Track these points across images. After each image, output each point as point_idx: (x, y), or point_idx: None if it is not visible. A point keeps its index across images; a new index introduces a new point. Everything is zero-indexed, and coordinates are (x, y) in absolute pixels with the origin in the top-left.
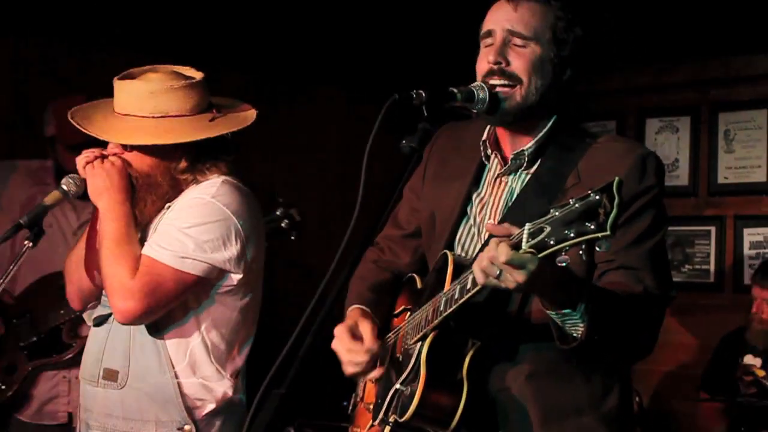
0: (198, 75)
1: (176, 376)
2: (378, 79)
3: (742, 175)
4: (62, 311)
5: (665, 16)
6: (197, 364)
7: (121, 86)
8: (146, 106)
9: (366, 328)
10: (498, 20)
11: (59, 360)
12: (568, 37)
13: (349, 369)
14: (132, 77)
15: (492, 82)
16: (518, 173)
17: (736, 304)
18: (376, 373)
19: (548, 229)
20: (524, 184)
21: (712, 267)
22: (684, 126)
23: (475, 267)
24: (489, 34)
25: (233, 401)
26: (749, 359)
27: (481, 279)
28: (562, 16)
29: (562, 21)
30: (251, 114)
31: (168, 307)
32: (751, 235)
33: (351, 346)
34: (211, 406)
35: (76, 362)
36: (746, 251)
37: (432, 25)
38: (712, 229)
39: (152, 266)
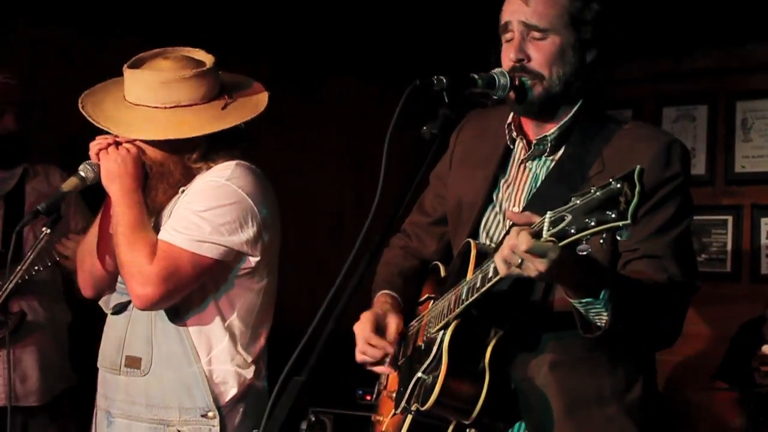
0: (209, 59)
1: (199, 362)
2: (393, 66)
3: (760, 164)
4: None
5: (682, 4)
6: (219, 348)
7: (131, 75)
8: (158, 96)
9: (392, 325)
10: (512, 13)
11: None
12: (586, 16)
13: (360, 357)
14: (142, 62)
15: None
16: (542, 159)
17: (752, 294)
18: (384, 369)
19: (569, 217)
20: (548, 170)
21: (728, 256)
22: (701, 115)
23: (497, 257)
24: (506, 27)
25: (256, 386)
26: (767, 349)
27: (503, 269)
28: None
29: (578, 1)
30: (263, 98)
31: (186, 292)
32: None
33: (370, 338)
34: (233, 392)
35: (11, 341)
36: (763, 241)
37: (447, 11)
38: (729, 218)
39: (170, 251)
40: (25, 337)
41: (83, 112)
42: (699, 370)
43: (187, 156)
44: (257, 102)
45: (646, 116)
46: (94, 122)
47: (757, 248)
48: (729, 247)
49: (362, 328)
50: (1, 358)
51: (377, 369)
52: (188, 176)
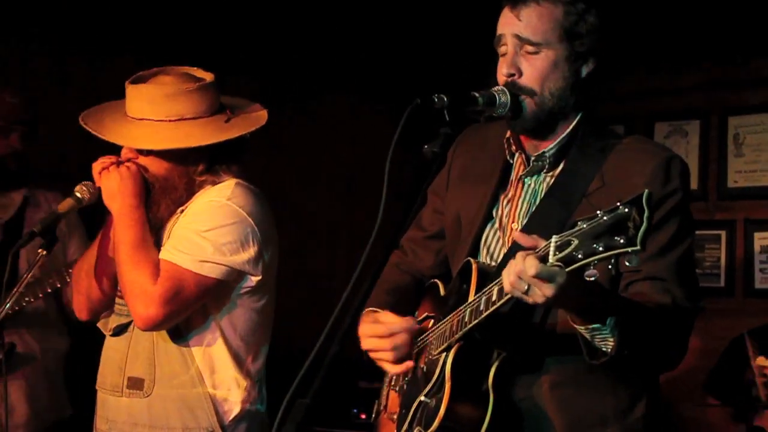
0: (209, 76)
1: (203, 382)
2: (387, 84)
3: (752, 179)
4: None
5: (674, 20)
6: (222, 368)
7: (134, 90)
8: (162, 109)
9: (387, 317)
10: (505, 26)
11: None
12: (580, 29)
13: (387, 355)
14: (143, 80)
15: None
16: (541, 175)
17: (746, 309)
18: (405, 366)
19: (576, 242)
20: (548, 186)
21: (722, 271)
22: (693, 130)
23: (505, 283)
24: (499, 41)
25: (257, 405)
26: (762, 361)
27: (509, 291)
28: (572, 9)
29: (573, 14)
30: (263, 114)
31: (188, 312)
32: (761, 239)
33: (384, 332)
34: (236, 411)
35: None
36: (757, 255)
37: (440, 29)
38: (722, 233)
39: (173, 271)
40: (13, 370)
41: (86, 128)
42: (691, 385)
43: (192, 168)
44: (258, 117)
45: (639, 132)
46: (99, 136)
47: (751, 263)
48: (722, 261)
49: (371, 332)
50: None
51: (405, 365)
52: (191, 191)
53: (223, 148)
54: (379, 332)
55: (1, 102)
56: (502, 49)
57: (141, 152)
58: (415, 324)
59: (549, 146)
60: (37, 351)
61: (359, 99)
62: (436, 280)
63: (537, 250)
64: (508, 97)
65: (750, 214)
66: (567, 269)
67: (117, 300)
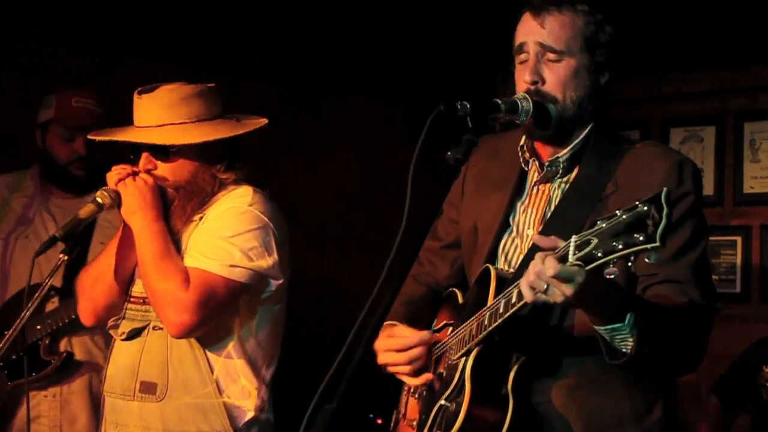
0: (208, 84)
1: (217, 386)
2: (397, 87)
3: None
4: (39, 327)
5: (690, 24)
6: (236, 373)
7: (147, 98)
8: (181, 112)
9: (403, 331)
10: (528, 34)
11: (39, 378)
12: (600, 39)
13: (404, 368)
14: (149, 91)
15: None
16: (556, 181)
17: (762, 315)
18: (425, 378)
19: (595, 241)
20: (563, 192)
21: (738, 277)
22: (709, 135)
23: (523, 283)
24: (521, 48)
25: (267, 410)
26: None
27: (529, 295)
28: (592, 19)
29: (592, 24)
30: (263, 119)
31: (219, 317)
32: None
33: (400, 346)
34: (249, 415)
35: (56, 380)
36: None
37: (448, 33)
38: (738, 239)
39: (204, 277)
40: (73, 378)
41: (107, 139)
42: (707, 391)
43: (217, 167)
44: (259, 119)
45: (654, 137)
46: (131, 141)
47: (767, 268)
48: (738, 267)
49: (386, 346)
50: (53, 398)
51: (423, 378)
52: (215, 191)
53: (237, 147)
54: (395, 346)
55: (66, 107)
56: (522, 57)
57: (164, 158)
58: (430, 336)
59: (563, 152)
60: (99, 358)
61: (373, 101)
62: (454, 288)
63: (557, 250)
64: (531, 104)
65: (766, 219)
66: (587, 268)
67: (129, 306)
